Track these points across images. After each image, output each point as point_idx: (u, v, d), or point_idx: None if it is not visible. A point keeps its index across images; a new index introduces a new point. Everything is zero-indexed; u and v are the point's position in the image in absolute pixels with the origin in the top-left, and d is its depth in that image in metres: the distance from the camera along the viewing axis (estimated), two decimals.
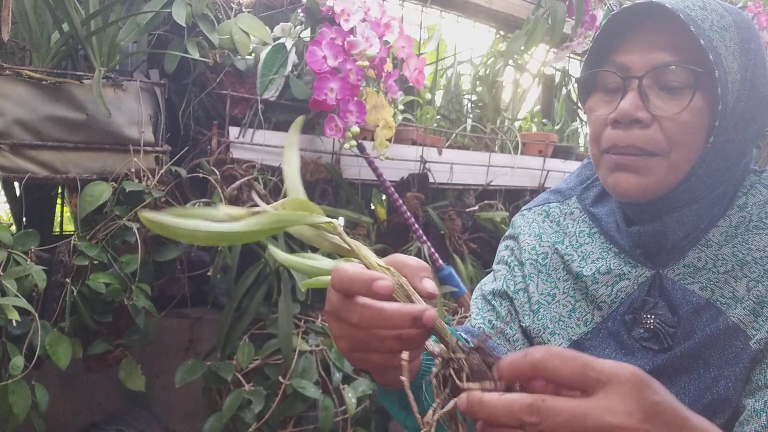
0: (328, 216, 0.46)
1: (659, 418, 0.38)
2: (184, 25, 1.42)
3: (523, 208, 0.87)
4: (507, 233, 0.86)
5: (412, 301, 0.45)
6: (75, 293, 1.22)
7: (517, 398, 0.39)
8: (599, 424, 0.37)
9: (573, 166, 2.45)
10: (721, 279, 0.64)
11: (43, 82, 1.22)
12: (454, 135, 2.18)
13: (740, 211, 0.67)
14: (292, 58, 1.59)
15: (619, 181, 0.66)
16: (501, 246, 0.86)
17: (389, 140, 1.68)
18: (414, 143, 1.97)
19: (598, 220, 0.75)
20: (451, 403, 0.42)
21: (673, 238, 0.67)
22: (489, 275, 0.85)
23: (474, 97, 2.41)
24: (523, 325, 0.76)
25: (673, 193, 0.65)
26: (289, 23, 1.67)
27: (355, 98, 1.52)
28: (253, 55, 1.59)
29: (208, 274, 1.49)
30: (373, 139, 1.68)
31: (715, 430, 0.41)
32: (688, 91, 0.62)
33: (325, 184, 1.74)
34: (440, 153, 2.03)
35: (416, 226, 1.75)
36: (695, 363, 0.63)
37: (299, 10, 1.67)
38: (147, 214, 0.37)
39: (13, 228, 1.42)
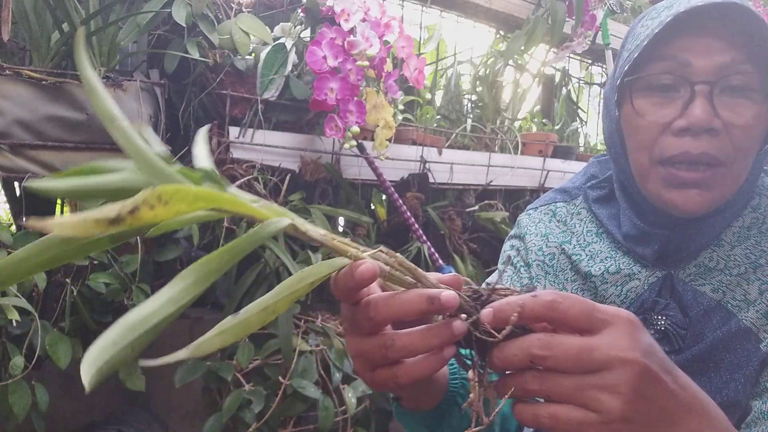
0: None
1: (654, 356, 0.41)
2: (184, 25, 1.42)
3: (528, 207, 0.85)
4: (512, 232, 0.84)
5: (420, 282, 0.42)
6: (75, 293, 1.22)
7: (527, 336, 0.41)
8: (605, 358, 0.39)
9: (573, 166, 2.45)
10: (733, 281, 0.63)
11: (43, 82, 1.22)
12: (454, 135, 2.18)
13: (753, 212, 0.66)
14: (292, 58, 1.58)
15: (685, 198, 0.61)
16: (506, 245, 0.84)
17: (389, 140, 1.68)
18: (414, 143, 1.97)
19: (600, 221, 0.74)
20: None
21: (699, 242, 0.65)
22: (493, 275, 0.84)
23: (474, 97, 2.41)
24: None
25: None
26: (289, 23, 1.67)
27: (355, 98, 1.52)
28: (253, 55, 1.59)
29: None
30: (373, 139, 1.68)
31: (694, 384, 0.44)
32: (755, 96, 0.59)
33: (325, 184, 1.74)
34: (440, 153, 2.03)
35: (416, 226, 1.75)
36: (706, 366, 0.62)
37: (299, 10, 1.67)
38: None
39: (13, 228, 1.42)
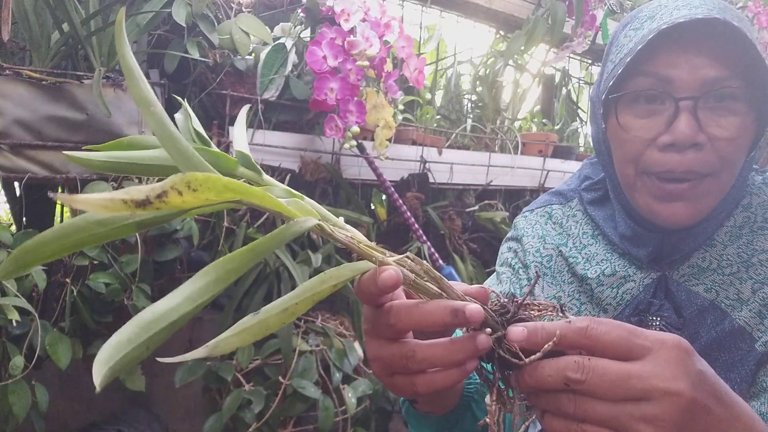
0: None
1: (704, 386, 0.38)
2: (184, 25, 1.42)
3: (524, 209, 0.85)
4: (509, 235, 0.84)
5: (445, 293, 0.41)
6: (75, 293, 1.22)
7: (562, 357, 0.39)
8: (646, 388, 0.37)
9: (573, 166, 2.46)
10: (726, 281, 0.64)
11: (43, 82, 1.22)
12: (454, 135, 2.18)
13: (744, 211, 0.67)
14: (292, 58, 1.59)
15: (673, 210, 0.61)
16: (503, 248, 0.84)
17: (389, 140, 1.68)
18: (414, 143, 1.97)
19: (596, 222, 0.74)
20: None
21: (693, 244, 0.66)
22: (492, 277, 0.84)
23: (474, 97, 2.41)
24: None
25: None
26: (289, 23, 1.67)
27: (355, 98, 1.52)
28: (253, 55, 1.59)
29: None
30: (373, 139, 1.68)
31: (749, 409, 0.41)
32: (738, 107, 0.59)
33: (325, 184, 1.74)
34: (440, 153, 2.03)
35: (416, 226, 1.75)
36: None
37: (299, 10, 1.67)
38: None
39: (13, 228, 1.42)
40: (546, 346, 0.39)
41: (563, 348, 0.40)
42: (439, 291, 0.40)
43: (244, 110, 0.42)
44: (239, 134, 0.38)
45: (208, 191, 0.29)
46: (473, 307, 0.39)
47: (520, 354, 0.40)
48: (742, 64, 0.58)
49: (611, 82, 0.63)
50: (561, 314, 0.43)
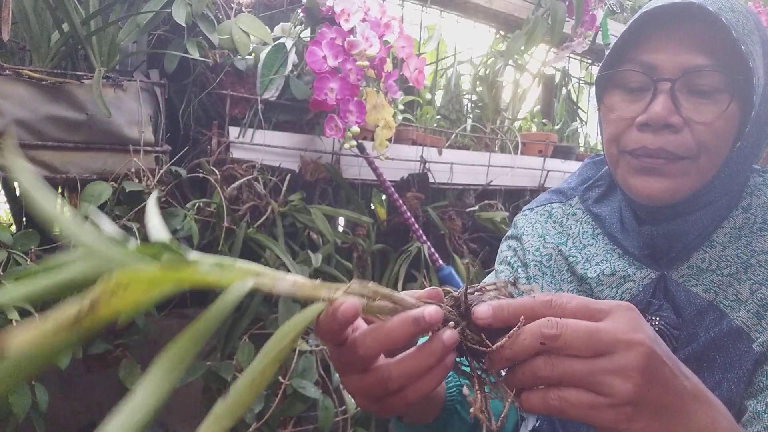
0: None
1: (658, 341, 0.42)
2: (184, 25, 1.42)
3: (524, 208, 0.85)
4: (509, 233, 0.85)
5: (400, 306, 0.42)
6: None
7: (536, 321, 0.42)
8: (612, 339, 0.40)
9: (573, 166, 2.45)
10: (724, 281, 0.64)
11: (43, 82, 1.22)
12: (454, 135, 2.18)
13: (744, 213, 0.67)
14: (292, 58, 1.59)
15: (647, 184, 0.64)
16: (503, 246, 0.85)
17: (389, 140, 1.68)
18: (414, 143, 1.97)
19: (602, 220, 0.74)
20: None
21: (685, 240, 0.66)
22: (490, 276, 0.84)
23: (474, 97, 2.41)
24: None
25: (694, 196, 0.64)
26: (289, 23, 1.67)
27: (355, 98, 1.52)
28: (253, 55, 1.59)
29: None
30: (373, 139, 1.68)
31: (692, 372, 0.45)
32: (722, 96, 0.60)
33: (325, 184, 1.74)
34: (440, 153, 2.03)
35: (416, 226, 1.75)
36: (700, 366, 0.62)
37: (299, 10, 1.67)
38: None
39: (13, 228, 1.42)
40: (518, 326, 0.41)
41: (529, 321, 0.42)
42: (394, 306, 0.41)
43: (153, 198, 0.41)
44: (154, 224, 0.38)
45: (136, 290, 0.29)
46: (431, 309, 0.40)
47: (486, 341, 0.42)
48: (728, 55, 0.59)
49: (602, 64, 0.67)
50: (514, 288, 0.45)
